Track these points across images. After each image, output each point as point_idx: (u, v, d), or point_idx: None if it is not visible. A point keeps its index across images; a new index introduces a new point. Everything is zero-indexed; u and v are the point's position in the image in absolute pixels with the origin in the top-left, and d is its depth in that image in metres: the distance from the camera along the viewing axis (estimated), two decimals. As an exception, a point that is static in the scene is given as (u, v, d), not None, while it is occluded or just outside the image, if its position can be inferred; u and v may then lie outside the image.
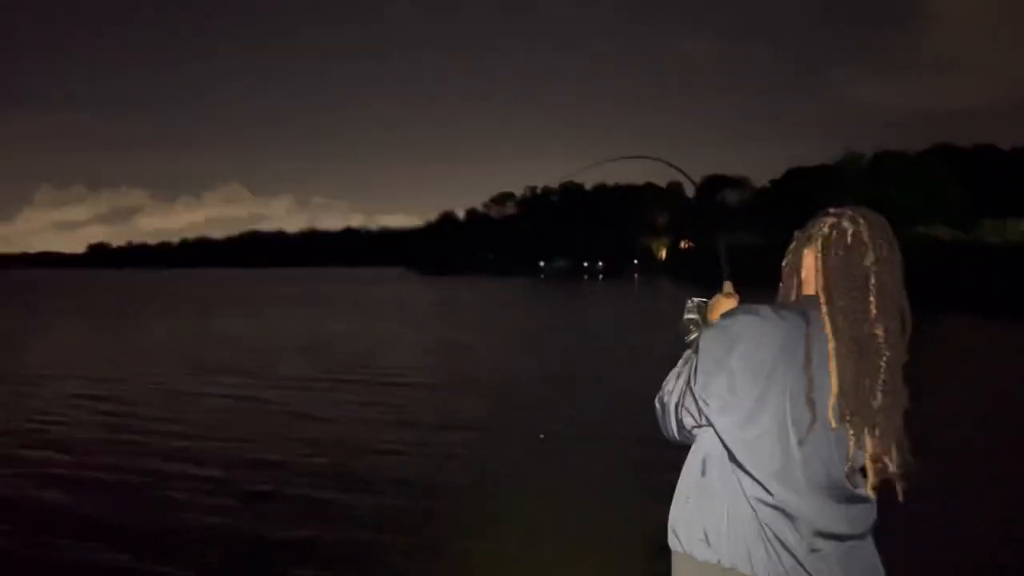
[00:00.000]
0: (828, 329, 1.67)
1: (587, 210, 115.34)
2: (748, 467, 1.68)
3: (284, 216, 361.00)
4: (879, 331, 1.66)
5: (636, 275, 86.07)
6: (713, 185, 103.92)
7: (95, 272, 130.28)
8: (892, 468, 1.69)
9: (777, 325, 1.68)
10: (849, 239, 1.71)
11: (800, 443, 1.65)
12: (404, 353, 18.58)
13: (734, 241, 79.76)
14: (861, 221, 1.72)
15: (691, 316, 2.08)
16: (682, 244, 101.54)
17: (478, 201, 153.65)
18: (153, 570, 5.16)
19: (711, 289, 2.25)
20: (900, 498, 1.71)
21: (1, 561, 5.40)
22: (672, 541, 1.81)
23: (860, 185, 61.67)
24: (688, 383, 1.77)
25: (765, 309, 1.71)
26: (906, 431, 1.72)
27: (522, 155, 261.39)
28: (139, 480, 7.36)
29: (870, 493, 1.71)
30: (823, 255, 1.74)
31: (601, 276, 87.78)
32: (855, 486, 1.69)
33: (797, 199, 71.61)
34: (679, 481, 1.83)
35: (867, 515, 1.73)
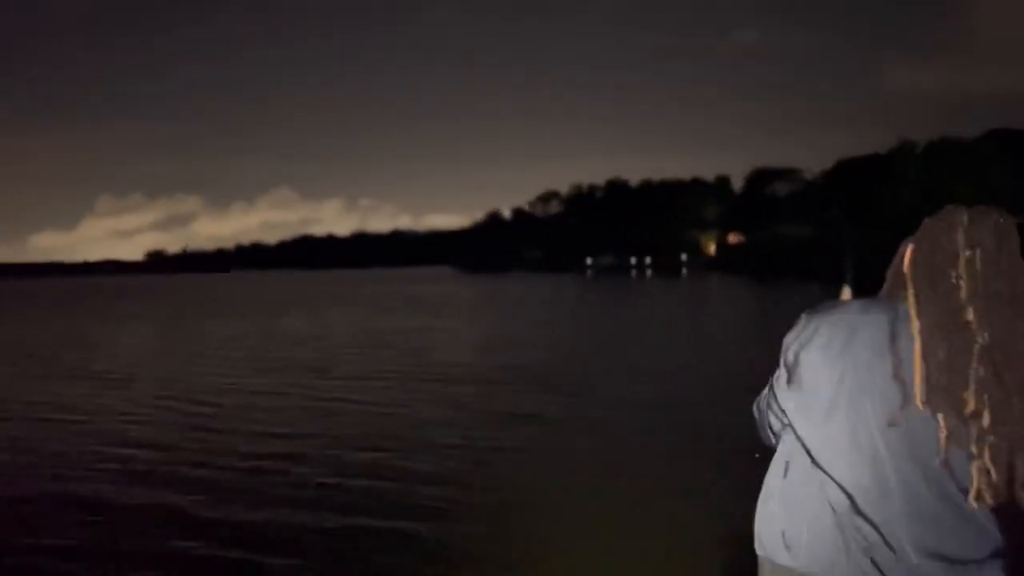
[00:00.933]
0: (912, 312, 1.56)
1: (633, 207, 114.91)
2: (829, 470, 1.57)
3: (334, 219, 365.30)
4: (970, 316, 1.51)
5: (684, 270, 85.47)
6: (762, 178, 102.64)
7: (153, 278, 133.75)
8: (993, 480, 1.46)
9: (861, 318, 1.59)
10: (946, 226, 1.61)
11: (885, 439, 1.52)
12: (466, 348, 19.05)
13: (784, 233, 79.02)
14: (964, 211, 1.62)
15: None
16: (731, 238, 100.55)
17: (524, 200, 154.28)
18: (260, 561, 5.52)
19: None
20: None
21: (102, 554, 5.78)
22: (756, 544, 1.76)
23: (914, 174, 60.47)
24: (771, 383, 1.74)
25: (851, 304, 1.64)
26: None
27: (567, 153, 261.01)
28: (227, 475, 7.78)
29: (975, 504, 1.47)
30: (916, 246, 1.66)
31: (649, 272, 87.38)
32: (959, 491, 1.49)
33: (848, 189, 70.68)
34: (764, 483, 1.77)
35: (983, 534, 1.49)
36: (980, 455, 1.46)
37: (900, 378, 1.51)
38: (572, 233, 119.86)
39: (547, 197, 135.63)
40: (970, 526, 1.48)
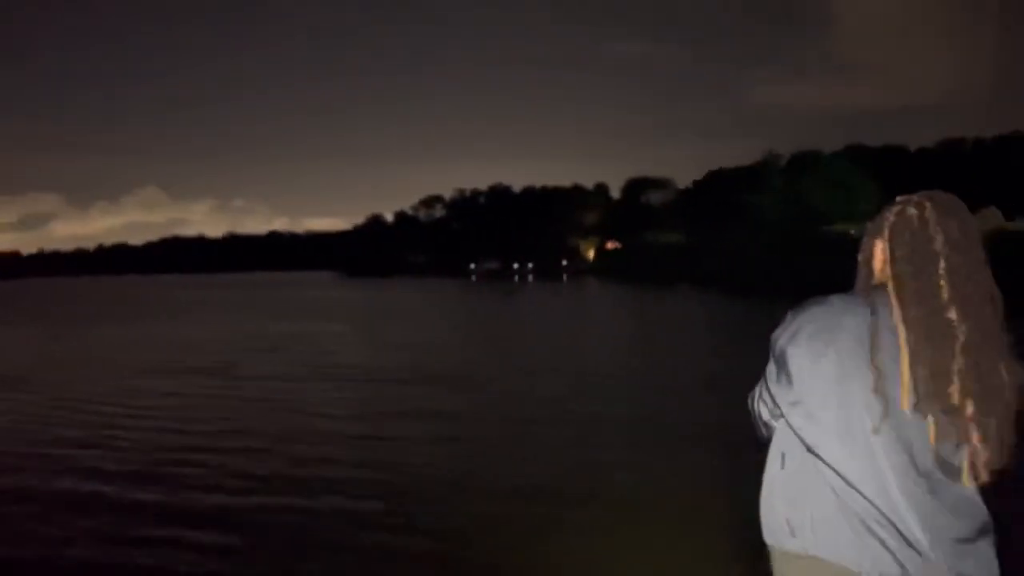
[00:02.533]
0: (896, 315, 1.62)
1: (516, 212, 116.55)
2: (826, 458, 1.64)
3: (204, 220, 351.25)
4: (952, 315, 1.59)
5: (565, 275, 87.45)
6: (638, 186, 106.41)
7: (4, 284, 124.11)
8: (984, 459, 1.59)
9: (844, 313, 1.65)
10: (916, 223, 1.67)
11: (876, 432, 1.60)
12: (361, 351, 18.96)
13: (659, 240, 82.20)
14: (927, 204, 1.68)
15: None
16: (608, 244, 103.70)
17: (407, 204, 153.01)
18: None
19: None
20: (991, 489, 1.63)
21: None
22: (765, 533, 1.80)
23: (779, 184, 64.39)
24: (764, 375, 1.80)
25: (833, 298, 1.70)
26: (1010, 423, 1.60)
27: (450, 158, 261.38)
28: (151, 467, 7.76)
29: (968, 485, 1.61)
30: (890, 243, 1.70)
31: (531, 277, 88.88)
32: (952, 479, 1.60)
33: (718, 199, 74.36)
34: (764, 475, 1.82)
35: (972, 513, 1.62)
36: (968, 440, 1.59)
37: (883, 380, 1.60)
38: (456, 238, 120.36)
39: (430, 201, 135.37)
40: (963, 507, 1.61)
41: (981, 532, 1.62)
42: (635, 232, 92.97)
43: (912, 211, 1.69)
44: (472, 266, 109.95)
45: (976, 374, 1.58)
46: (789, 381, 1.67)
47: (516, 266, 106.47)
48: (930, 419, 1.59)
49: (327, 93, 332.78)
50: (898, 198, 1.76)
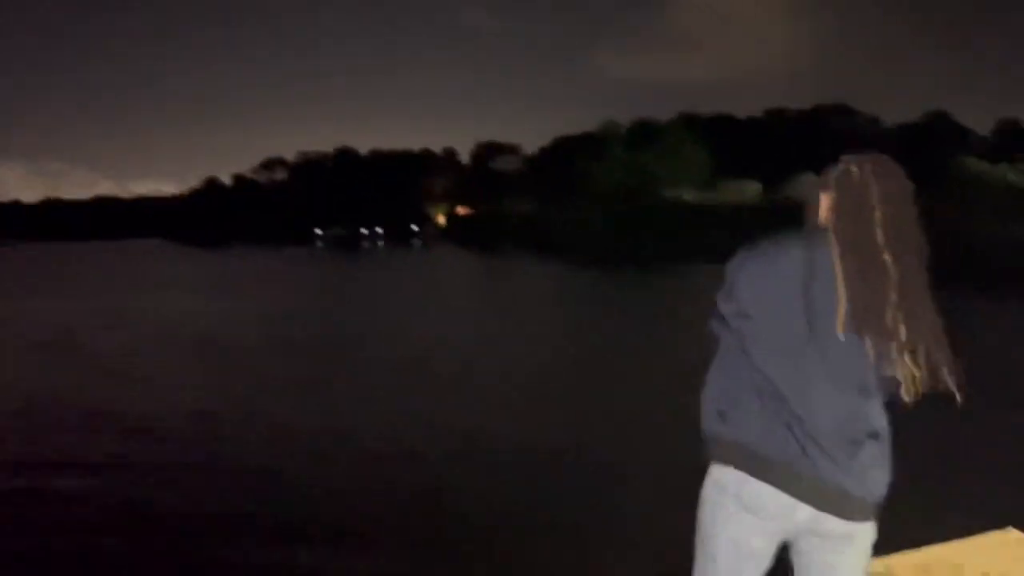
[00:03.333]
0: (836, 253, 1.88)
1: (363, 176, 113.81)
2: (756, 358, 1.90)
3: (17, 185, 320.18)
4: (887, 258, 1.85)
5: (417, 242, 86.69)
6: (487, 152, 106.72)
7: None
8: (917, 376, 1.86)
9: (789, 247, 1.92)
10: (857, 179, 1.92)
11: (805, 345, 1.86)
12: (215, 323, 17.76)
13: (507, 206, 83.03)
14: (867, 163, 1.95)
15: None
16: (459, 210, 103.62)
17: (246, 167, 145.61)
18: None
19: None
20: (909, 406, 1.90)
21: None
22: (702, 423, 2.03)
23: (619, 152, 66.44)
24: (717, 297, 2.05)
25: (781, 236, 1.97)
26: (943, 349, 1.87)
27: (293, 119, 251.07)
28: None
29: (904, 398, 1.88)
30: (835, 194, 1.95)
31: (381, 243, 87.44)
32: (873, 395, 1.90)
33: (564, 166, 75.95)
34: (706, 377, 2.06)
35: (878, 426, 1.91)
36: (903, 361, 1.86)
37: (815, 307, 1.86)
38: (300, 203, 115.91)
39: (271, 164, 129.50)
40: (866, 413, 1.91)
41: (879, 443, 1.92)
42: (486, 198, 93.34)
43: (855, 169, 1.95)
44: (318, 232, 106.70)
45: (906, 307, 1.85)
46: (735, 295, 1.95)
47: (365, 232, 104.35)
48: (867, 342, 1.85)
49: (157, 47, 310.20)
50: (843, 157, 2.00)
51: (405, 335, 15.54)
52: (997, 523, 3.07)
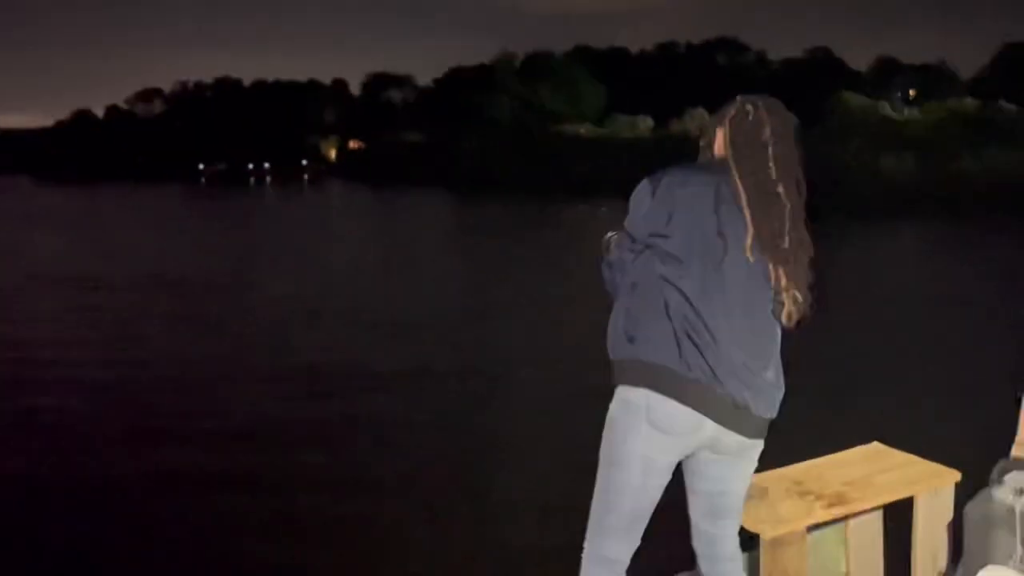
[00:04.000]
0: (736, 180, 2.02)
1: (247, 108, 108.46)
2: (670, 276, 1.99)
3: None
4: (780, 189, 2.03)
5: (306, 177, 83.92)
6: (378, 84, 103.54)
7: None
8: (800, 302, 2.05)
9: (697, 171, 2.09)
10: (751, 117, 2.08)
11: (718, 264, 1.98)
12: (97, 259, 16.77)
13: (400, 140, 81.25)
14: (760, 104, 2.10)
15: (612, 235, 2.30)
16: (351, 144, 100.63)
17: (120, 98, 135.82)
18: None
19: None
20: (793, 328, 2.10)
21: None
22: (608, 351, 2.11)
23: (513, 85, 65.85)
24: (624, 225, 2.14)
25: (686, 166, 2.11)
26: (813, 275, 2.08)
27: (170, 45, 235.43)
28: None
29: (784, 322, 2.07)
30: (730, 131, 2.09)
31: (269, 179, 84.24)
32: (771, 315, 2.06)
33: (458, 98, 74.71)
34: (613, 308, 2.14)
35: (773, 342, 2.09)
36: (790, 285, 2.05)
37: (724, 227, 2.00)
38: (179, 137, 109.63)
39: (148, 94, 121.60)
40: (768, 335, 2.08)
41: (778, 363, 2.10)
42: (377, 131, 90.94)
43: (748, 108, 2.10)
44: (200, 167, 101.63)
45: (797, 235, 2.04)
46: (649, 216, 2.03)
47: (251, 167, 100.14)
48: (771, 266, 2.02)
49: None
50: (737, 97, 2.14)
51: (288, 271, 15.22)
52: (866, 439, 3.31)
